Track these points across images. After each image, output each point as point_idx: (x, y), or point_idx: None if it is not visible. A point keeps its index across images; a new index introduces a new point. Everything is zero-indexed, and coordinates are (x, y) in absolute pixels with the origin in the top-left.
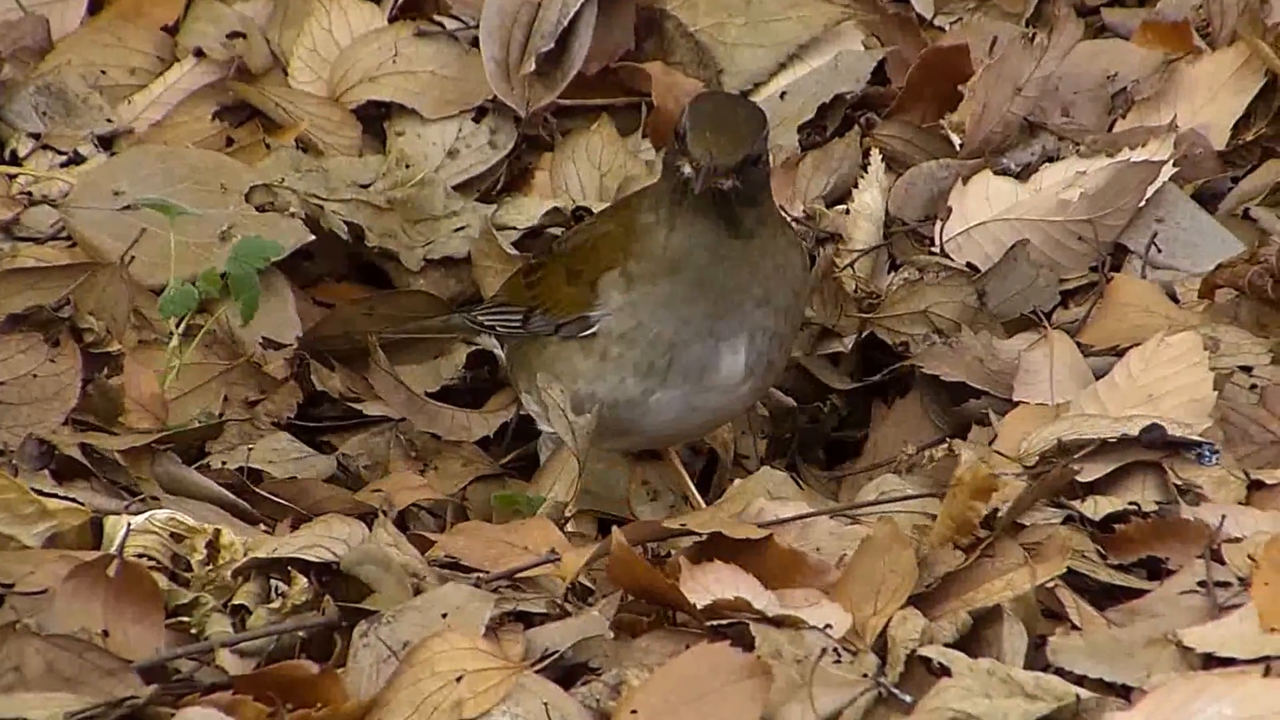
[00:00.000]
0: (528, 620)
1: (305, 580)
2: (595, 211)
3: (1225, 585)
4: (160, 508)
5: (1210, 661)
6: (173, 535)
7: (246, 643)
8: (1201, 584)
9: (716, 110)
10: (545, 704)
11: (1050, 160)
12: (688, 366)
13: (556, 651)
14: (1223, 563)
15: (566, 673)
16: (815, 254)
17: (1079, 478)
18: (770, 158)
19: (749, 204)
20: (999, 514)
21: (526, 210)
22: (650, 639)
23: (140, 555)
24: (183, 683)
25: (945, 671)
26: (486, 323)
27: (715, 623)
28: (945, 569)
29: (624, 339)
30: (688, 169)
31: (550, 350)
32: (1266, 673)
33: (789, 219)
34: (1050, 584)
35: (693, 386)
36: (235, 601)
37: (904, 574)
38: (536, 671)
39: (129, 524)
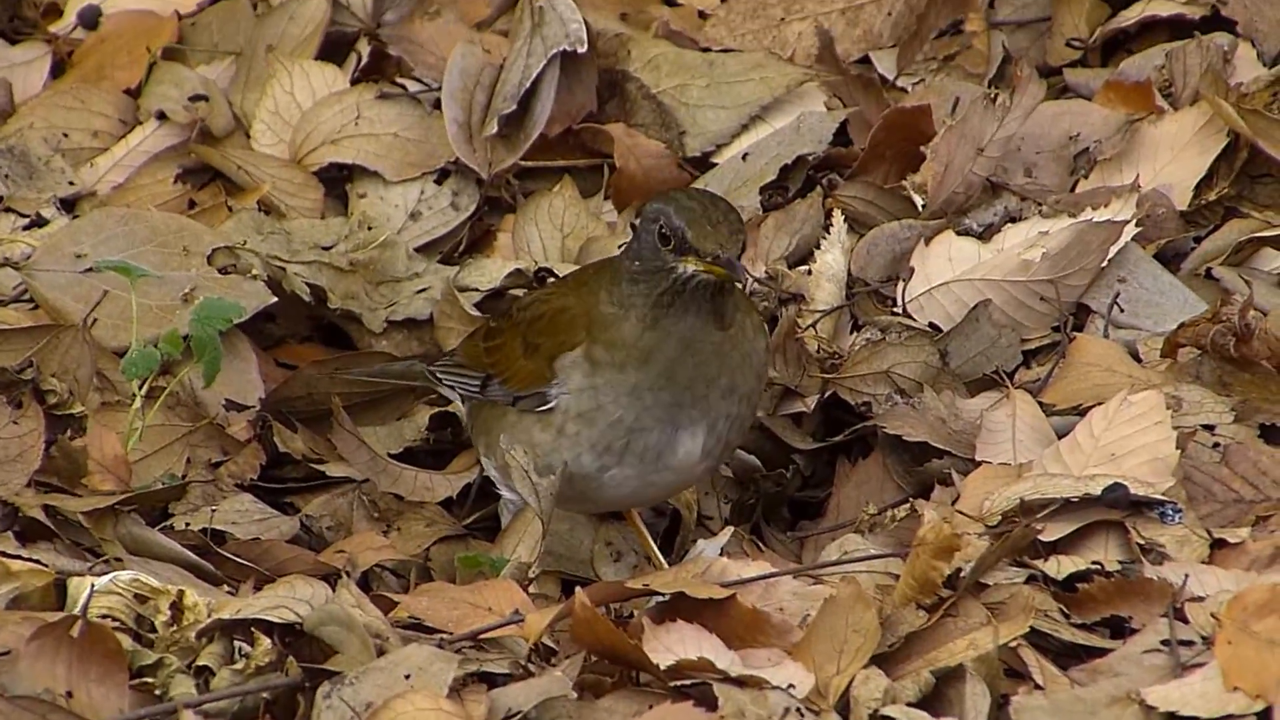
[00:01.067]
0: (491, 681)
1: (269, 641)
2: (557, 273)
3: (1188, 644)
4: (124, 569)
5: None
6: (136, 596)
7: (210, 704)
8: (1165, 643)
9: (704, 205)
10: None
11: (1013, 220)
12: (644, 450)
13: (520, 712)
14: (1186, 621)
15: None
16: (778, 315)
17: (1042, 537)
18: None
19: (733, 290)
20: (962, 573)
21: (489, 272)
22: (614, 699)
23: (104, 616)
24: None
25: None
26: (446, 381)
27: (678, 683)
28: (908, 628)
29: (582, 418)
30: (691, 267)
31: (509, 419)
32: None
33: (750, 280)
34: (1013, 644)
35: (648, 466)
36: (199, 662)
37: (867, 633)
38: None
39: (92, 585)
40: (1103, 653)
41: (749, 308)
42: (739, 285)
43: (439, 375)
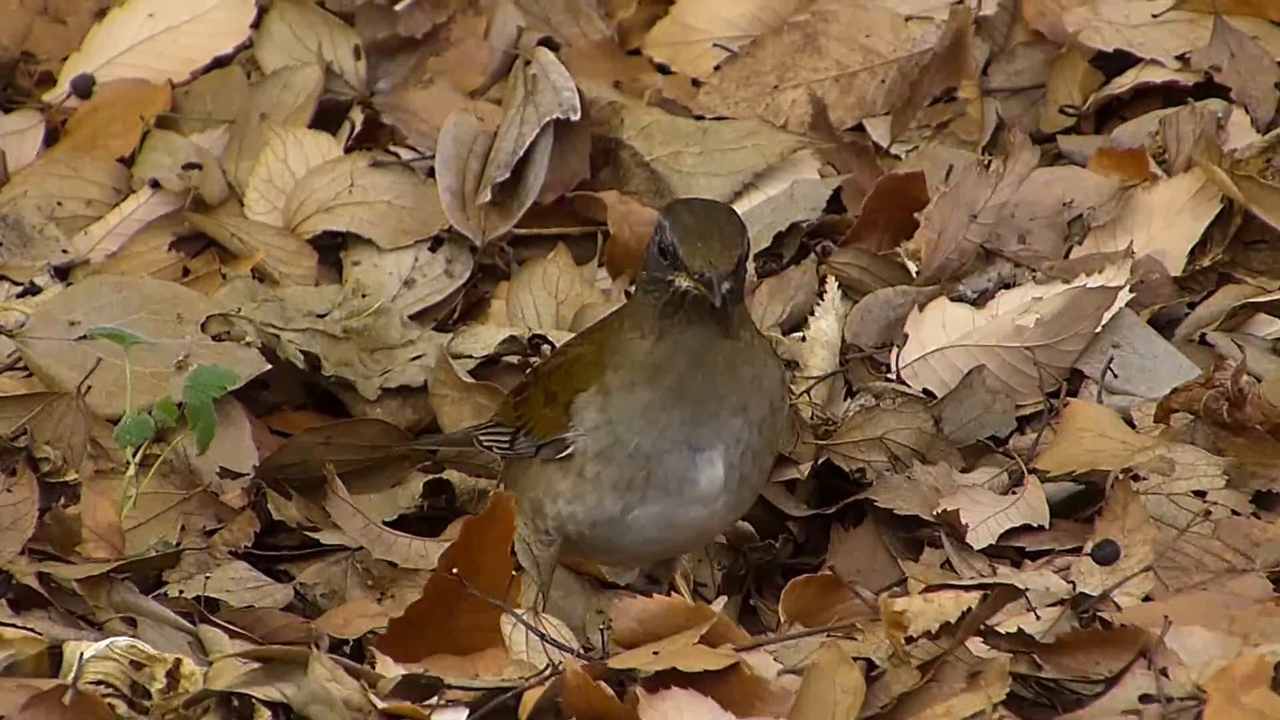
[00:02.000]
0: None
1: (269, 713)
2: (552, 340)
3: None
4: (122, 634)
5: None
6: (133, 663)
7: None
8: (1145, 698)
9: (700, 218)
10: None
11: (1006, 287)
12: (666, 479)
13: None
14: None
15: None
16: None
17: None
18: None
19: (737, 300)
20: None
21: (483, 338)
22: None
23: (99, 683)
24: None
25: None
26: (485, 441)
27: None
28: (901, 689)
29: (600, 457)
30: (683, 282)
31: (533, 471)
32: None
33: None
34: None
35: (672, 501)
36: None
37: (854, 692)
38: None
39: (81, 653)
40: (1080, 703)
41: (755, 328)
42: (741, 293)
43: (481, 438)
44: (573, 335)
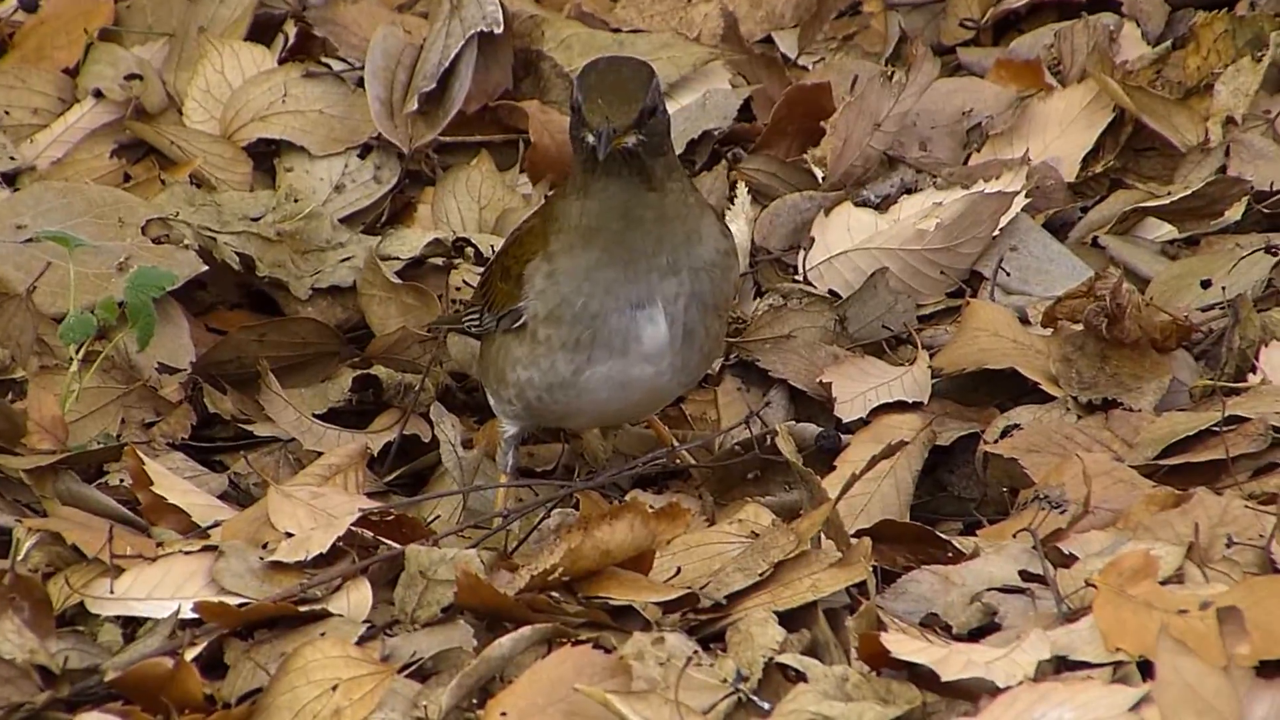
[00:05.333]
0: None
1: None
2: (475, 243)
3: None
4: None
5: (1062, 665)
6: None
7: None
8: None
9: (602, 76)
10: (425, 705)
11: (908, 192)
12: (610, 338)
13: (420, 659)
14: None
15: (429, 679)
16: None
17: None
18: (665, 106)
19: (656, 154)
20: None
21: (409, 241)
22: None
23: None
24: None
25: (801, 677)
26: (464, 323)
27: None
28: (779, 555)
29: (549, 319)
30: (590, 138)
31: (496, 343)
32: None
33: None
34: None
35: (619, 360)
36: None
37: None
38: (406, 676)
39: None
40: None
41: (690, 184)
42: (661, 145)
43: (461, 322)
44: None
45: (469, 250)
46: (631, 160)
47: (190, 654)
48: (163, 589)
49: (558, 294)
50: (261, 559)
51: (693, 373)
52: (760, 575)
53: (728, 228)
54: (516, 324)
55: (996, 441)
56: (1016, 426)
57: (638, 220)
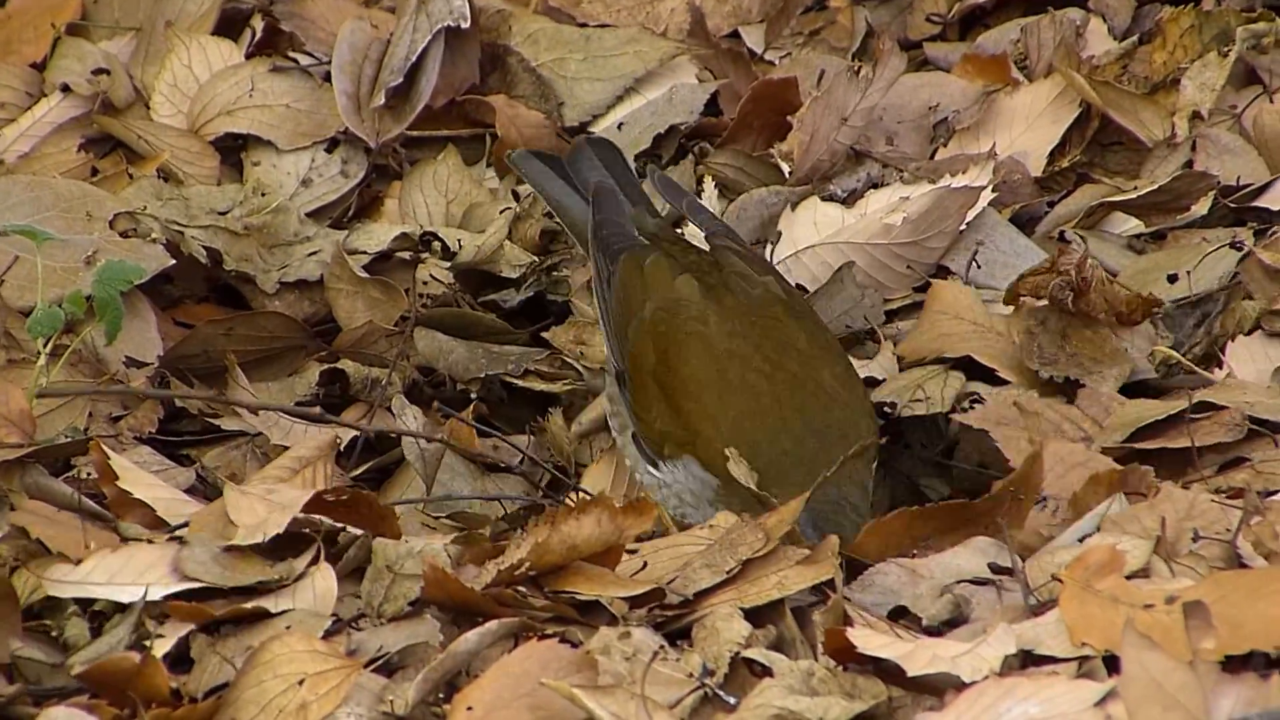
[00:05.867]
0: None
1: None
2: (442, 237)
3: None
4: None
5: (1028, 660)
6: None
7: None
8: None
9: None
10: (392, 700)
11: (875, 187)
12: None
13: (387, 653)
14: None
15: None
16: None
17: None
18: None
19: None
20: None
21: (376, 235)
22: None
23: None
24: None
25: (767, 672)
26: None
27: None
28: (748, 553)
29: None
30: None
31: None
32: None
33: None
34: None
35: None
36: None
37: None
38: (372, 670)
39: None
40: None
41: None
42: None
43: None
44: None
45: (436, 245)
46: None
47: (160, 650)
48: (125, 575)
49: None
50: (223, 547)
51: None
52: (728, 573)
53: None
54: (650, 472)
55: (965, 412)
56: (977, 398)
57: None
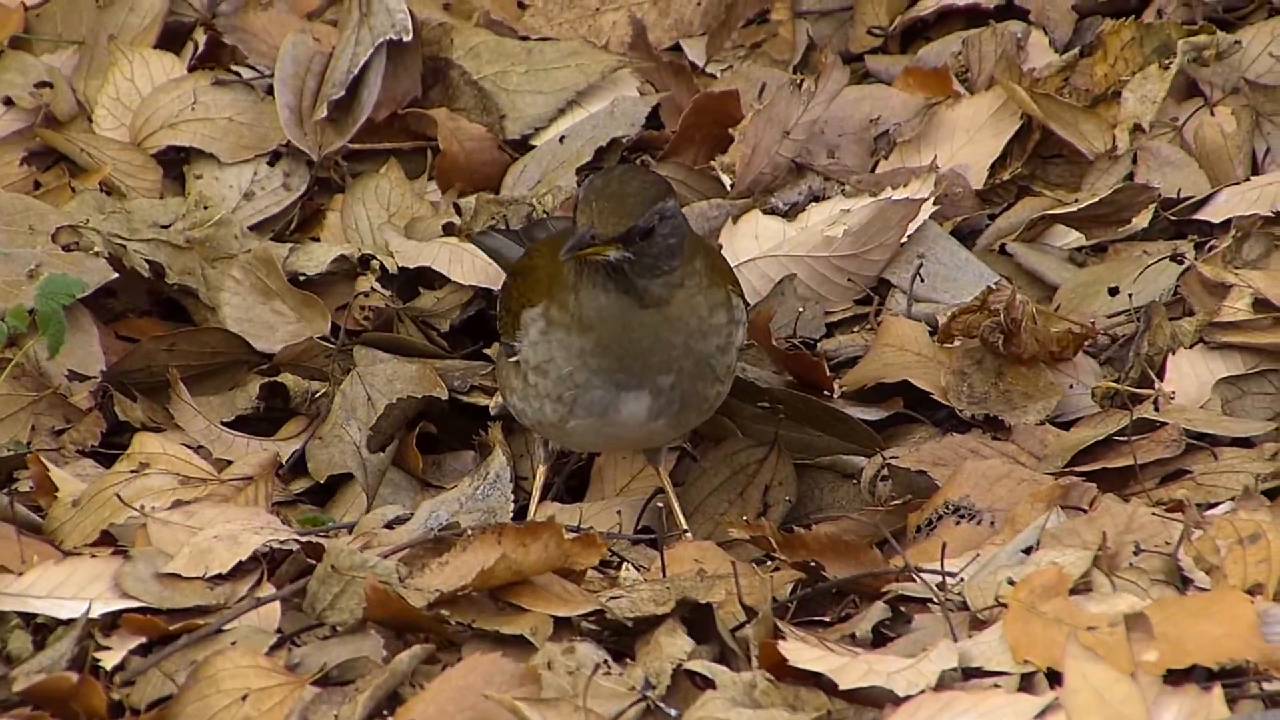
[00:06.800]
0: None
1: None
2: (381, 260)
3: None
4: None
5: (969, 675)
6: None
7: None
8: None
9: (608, 183)
10: (336, 715)
11: (816, 200)
12: (590, 405)
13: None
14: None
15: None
16: None
17: None
18: (684, 222)
19: (650, 274)
20: None
21: (316, 256)
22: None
23: None
24: None
25: (710, 684)
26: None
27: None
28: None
29: (538, 370)
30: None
31: (503, 361)
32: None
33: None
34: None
35: (598, 420)
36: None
37: None
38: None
39: None
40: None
41: (709, 281)
42: (660, 265)
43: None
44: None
45: (375, 263)
46: (616, 276)
47: (109, 662)
48: (66, 589)
49: (549, 352)
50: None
51: (685, 426)
52: (669, 609)
53: (740, 298)
54: (512, 358)
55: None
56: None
57: (634, 325)
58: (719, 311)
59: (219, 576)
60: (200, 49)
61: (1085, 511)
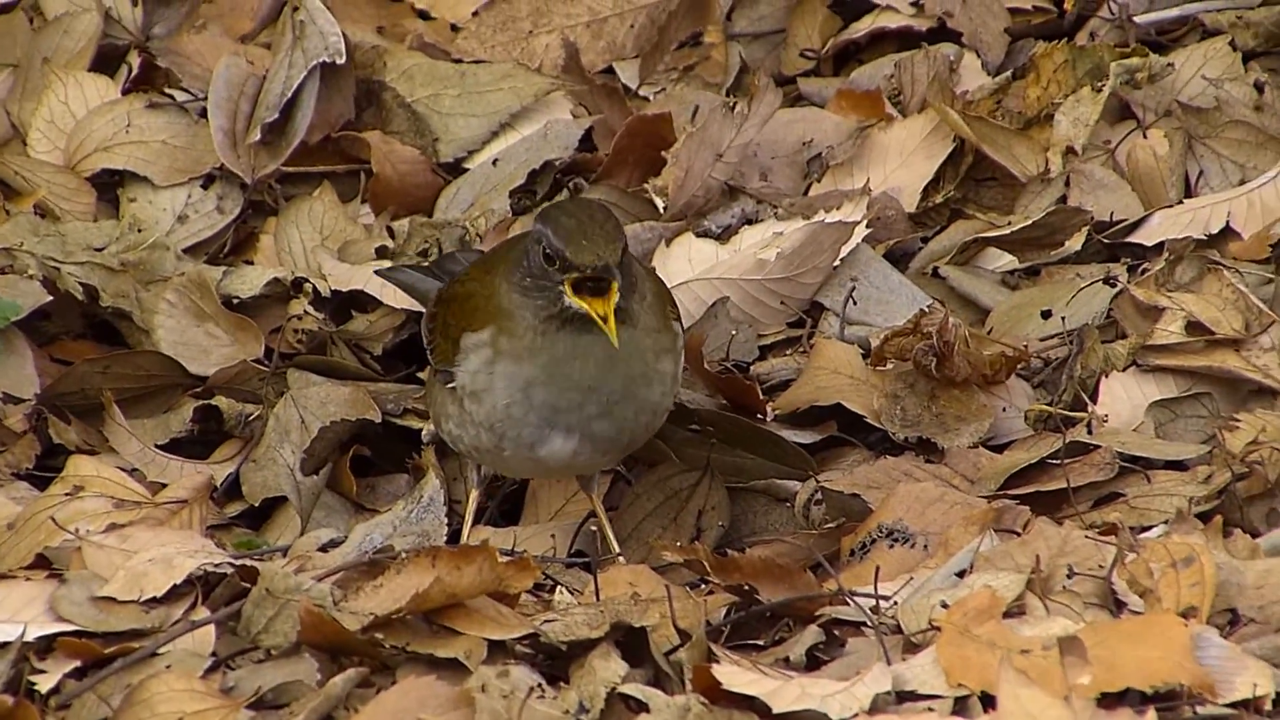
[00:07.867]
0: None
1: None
2: (315, 285)
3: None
4: None
5: (903, 699)
6: None
7: None
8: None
9: (578, 216)
10: None
11: (749, 222)
12: (518, 438)
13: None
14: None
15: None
16: None
17: None
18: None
19: (629, 293)
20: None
21: (249, 280)
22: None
23: None
24: None
25: (644, 708)
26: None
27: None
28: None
29: (474, 398)
30: (572, 302)
31: (437, 387)
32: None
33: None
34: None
35: (529, 451)
36: None
37: None
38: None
39: None
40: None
41: (660, 326)
42: (632, 282)
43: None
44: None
45: (308, 287)
46: (617, 314)
47: (45, 685)
48: (0, 612)
49: (488, 382)
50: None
51: (614, 460)
52: (603, 632)
53: (679, 324)
54: (449, 384)
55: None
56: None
57: (588, 358)
58: (665, 359)
59: (154, 600)
60: (134, 72)
61: (1019, 535)
